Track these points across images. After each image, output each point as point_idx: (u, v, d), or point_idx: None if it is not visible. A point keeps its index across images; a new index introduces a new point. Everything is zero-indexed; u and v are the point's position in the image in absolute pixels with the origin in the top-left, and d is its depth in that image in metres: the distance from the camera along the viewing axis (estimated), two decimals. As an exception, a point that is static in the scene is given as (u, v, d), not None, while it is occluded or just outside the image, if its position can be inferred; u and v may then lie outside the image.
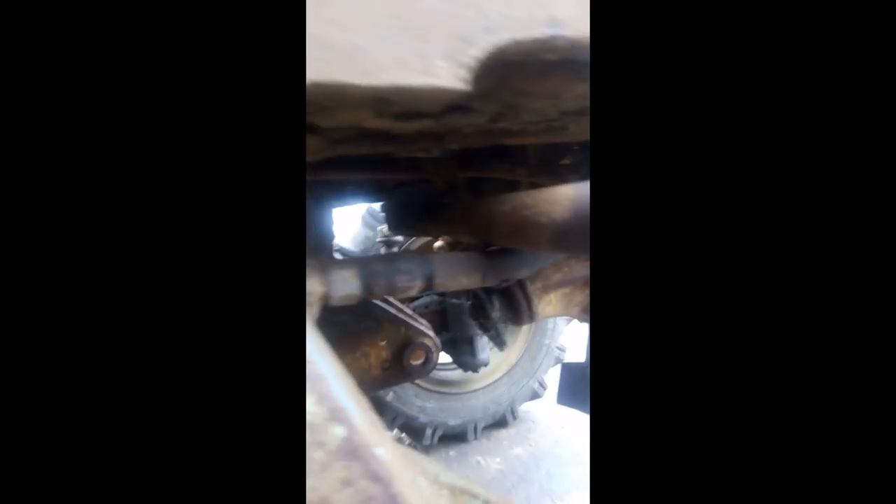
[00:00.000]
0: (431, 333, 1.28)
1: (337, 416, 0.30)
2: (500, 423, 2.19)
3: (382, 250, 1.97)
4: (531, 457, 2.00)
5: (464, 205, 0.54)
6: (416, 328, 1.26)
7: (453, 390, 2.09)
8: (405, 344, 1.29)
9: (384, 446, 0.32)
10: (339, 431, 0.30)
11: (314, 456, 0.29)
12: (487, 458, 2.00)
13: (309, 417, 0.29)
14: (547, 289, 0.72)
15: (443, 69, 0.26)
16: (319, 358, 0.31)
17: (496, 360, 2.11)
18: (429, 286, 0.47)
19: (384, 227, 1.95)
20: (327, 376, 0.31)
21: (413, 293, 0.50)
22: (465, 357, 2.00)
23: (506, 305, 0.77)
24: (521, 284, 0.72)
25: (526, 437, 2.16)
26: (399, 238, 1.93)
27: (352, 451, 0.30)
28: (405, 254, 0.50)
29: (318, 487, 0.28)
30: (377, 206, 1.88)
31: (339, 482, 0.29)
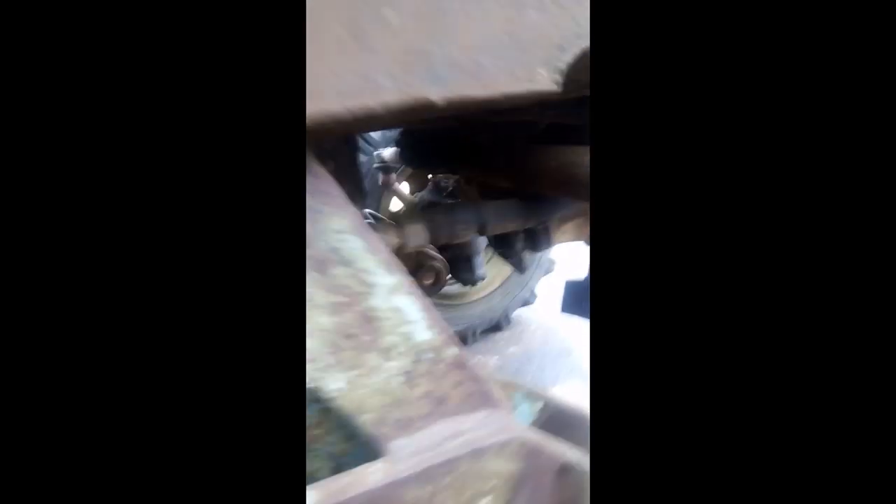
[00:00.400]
0: (440, 256, 1.39)
1: (449, 341, 0.41)
2: (495, 327, 2.46)
3: (380, 177, 1.98)
4: (524, 354, 2.29)
5: (508, 153, 0.59)
6: (424, 252, 1.37)
7: (453, 302, 2.30)
8: (417, 266, 1.41)
9: (473, 360, 0.43)
10: (451, 351, 0.41)
11: (437, 368, 0.40)
12: (486, 357, 2.29)
13: (434, 342, 0.40)
14: (564, 219, 0.82)
15: (542, 76, 0.31)
16: (429, 303, 0.41)
17: (492, 274, 2.29)
18: (482, 232, 0.55)
19: (380, 153, 1.94)
20: (440, 317, 0.41)
21: (466, 238, 0.58)
22: (465, 273, 2.16)
23: (527, 236, 0.87)
24: (541, 217, 0.80)
25: (519, 338, 2.44)
26: (395, 165, 1.94)
27: (460, 364, 0.41)
28: (462, 204, 0.57)
29: (440, 387, 0.40)
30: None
31: (453, 384, 0.41)
